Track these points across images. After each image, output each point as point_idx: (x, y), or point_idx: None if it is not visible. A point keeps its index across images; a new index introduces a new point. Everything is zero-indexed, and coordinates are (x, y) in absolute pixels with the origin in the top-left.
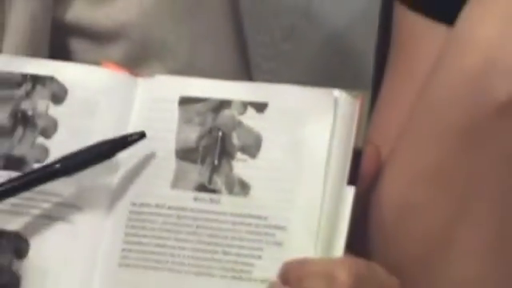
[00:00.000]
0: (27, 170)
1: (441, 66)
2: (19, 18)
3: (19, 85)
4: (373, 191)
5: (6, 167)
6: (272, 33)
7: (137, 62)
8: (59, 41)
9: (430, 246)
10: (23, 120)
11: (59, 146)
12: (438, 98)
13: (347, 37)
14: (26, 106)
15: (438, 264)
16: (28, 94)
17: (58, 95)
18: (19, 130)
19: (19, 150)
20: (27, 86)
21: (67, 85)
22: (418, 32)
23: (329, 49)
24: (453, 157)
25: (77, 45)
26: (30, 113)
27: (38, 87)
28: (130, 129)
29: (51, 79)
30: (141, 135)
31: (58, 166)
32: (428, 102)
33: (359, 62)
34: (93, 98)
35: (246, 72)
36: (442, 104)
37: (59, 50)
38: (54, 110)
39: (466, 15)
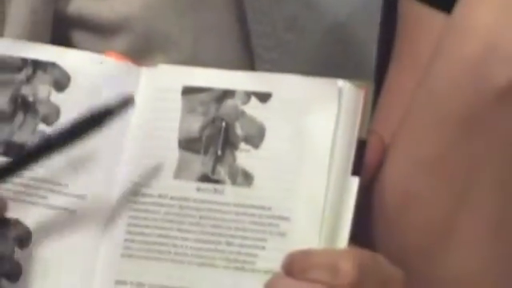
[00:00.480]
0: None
1: (440, 53)
2: (19, 9)
3: (19, 69)
4: (375, 179)
5: (6, 153)
6: (274, 23)
7: (140, 55)
8: (61, 33)
9: (431, 235)
10: (24, 105)
11: None
12: (437, 86)
13: (349, 26)
14: (26, 91)
15: (439, 253)
16: (28, 79)
17: (61, 82)
18: (20, 116)
19: (20, 137)
20: (28, 71)
21: (70, 72)
22: (424, 23)
23: (331, 38)
24: (453, 145)
25: (79, 37)
26: (30, 98)
27: (39, 72)
28: (133, 118)
29: (53, 65)
30: (129, 100)
31: (45, 141)
32: (428, 90)
33: (361, 51)
34: (96, 86)
35: (249, 63)
36: (441, 92)
37: (61, 43)
38: (57, 97)
39: (465, 1)
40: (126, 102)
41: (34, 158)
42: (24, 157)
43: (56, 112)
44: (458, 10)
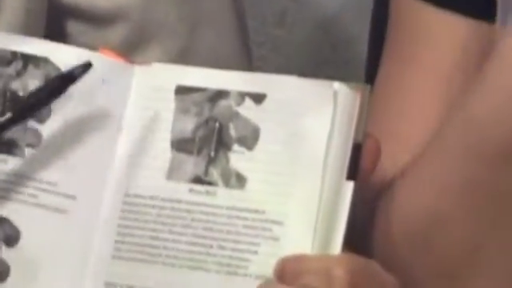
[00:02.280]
0: (19, 154)
1: (482, 80)
2: None
3: (9, 63)
4: (393, 199)
5: None
6: (263, 18)
7: (136, 44)
8: (55, 23)
9: (457, 259)
10: (13, 101)
11: (53, 132)
12: (478, 113)
13: (339, 21)
14: (16, 85)
15: (464, 278)
16: (18, 74)
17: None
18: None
19: (10, 133)
20: (17, 65)
21: (62, 68)
22: (417, 17)
23: (320, 33)
24: (489, 172)
25: (74, 27)
26: (20, 93)
27: (30, 67)
28: (126, 118)
29: (45, 60)
30: (87, 66)
31: (10, 114)
32: (468, 117)
33: (351, 46)
34: (89, 84)
35: (245, 57)
36: (483, 121)
37: (55, 33)
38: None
39: (511, 31)
40: (85, 68)
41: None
42: None
43: (48, 109)
44: (504, 38)
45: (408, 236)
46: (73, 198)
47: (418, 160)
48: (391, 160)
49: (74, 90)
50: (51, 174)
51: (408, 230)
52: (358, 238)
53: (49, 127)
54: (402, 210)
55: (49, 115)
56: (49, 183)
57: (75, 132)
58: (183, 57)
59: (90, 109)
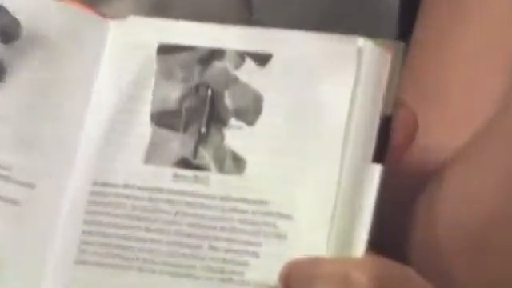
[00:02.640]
0: None
1: None
2: None
3: None
4: (441, 189)
5: None
6: None
7: None
8: None
9: None
10: None
11: (7, 105)
12: None
13: None
14: None
15: None
16: None
17: (8, 31)
18: None
19: None
20: None
21: (22, 19)
22: None
23: None
24: None
25: None
26: None
27: None
28: (99, 82)
29: (5, 11)
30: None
31: None
32: None
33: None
34: (54, 40)
35: (244, 8)
36: None
37: None
38: (3, 50)
39: None
40: None
41: None
42: None
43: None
44: None
45: (459, 235)
46: (30, 186)
47: (478, 142)
48: (435, 140)
49: (35, 45)
50: (5, 156)
51: (459, 228)
52: (388, 238)
53: (2, 98)
54: (451, 203)
55: (2, 75)
56: (2, 167)
57: (36, 97)
58: (160, 10)
59: (53, 73)
